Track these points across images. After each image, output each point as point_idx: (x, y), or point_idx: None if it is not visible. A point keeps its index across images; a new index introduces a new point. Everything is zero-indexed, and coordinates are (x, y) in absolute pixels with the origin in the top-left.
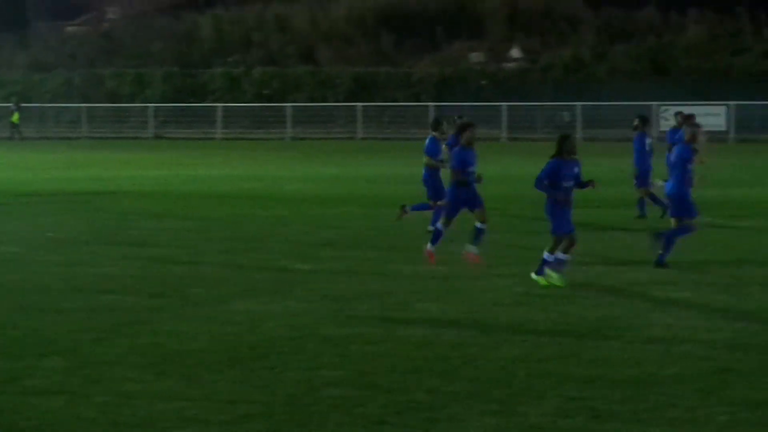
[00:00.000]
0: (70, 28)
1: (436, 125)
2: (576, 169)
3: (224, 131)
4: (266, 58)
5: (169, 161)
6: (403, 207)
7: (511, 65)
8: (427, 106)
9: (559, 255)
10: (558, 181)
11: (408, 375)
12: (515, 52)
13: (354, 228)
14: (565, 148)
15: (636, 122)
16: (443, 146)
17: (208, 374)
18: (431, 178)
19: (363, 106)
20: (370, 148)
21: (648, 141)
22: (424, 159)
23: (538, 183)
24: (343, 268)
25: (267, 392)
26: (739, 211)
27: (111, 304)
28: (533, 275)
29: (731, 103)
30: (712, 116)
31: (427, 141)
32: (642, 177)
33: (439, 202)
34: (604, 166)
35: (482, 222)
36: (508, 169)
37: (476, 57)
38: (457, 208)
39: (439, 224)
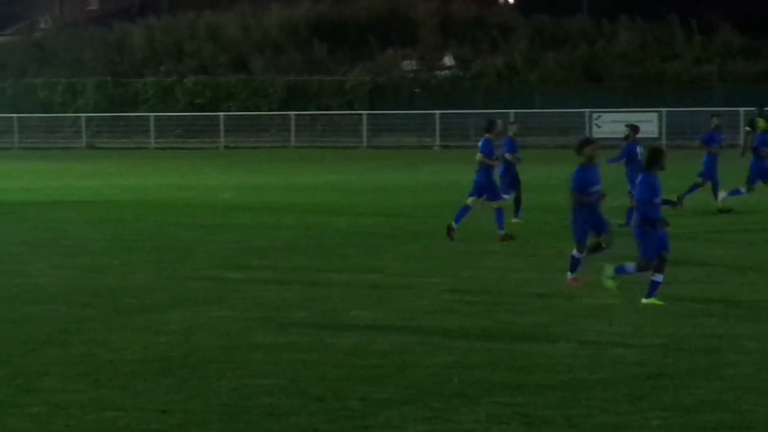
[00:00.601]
0: (0, 38)
1: (491, 127)
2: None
3: (157, 140)
4: (199, 67)
5: (101, 171)
6: (449, 227)
7: (443, 73)
8: (360, 114)
9: (655, 277)
10: (654, 197)
11: (340, 383)
12: (448, 60)
13: (286, 236)
14: (659, 163)
15: (627, 132)
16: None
17: (141, 384)
18: (485, 178)
19: (296, 114)
20: (304, 156)
21: (639, 150)
22: (477, 156)
23: (647, 205)
24: (275, 277)
25: (200, 401)
26: (669, 216)
27: (43, 314)
28: (644, 300)
29: (663, 109)
30: (645, 122)
31: (481, 142)
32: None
33: (492, 202)
34: (535, 173)
35: (607, 246)
36: (441, 177)
37: (409, 65)
38: (585, 231)
39: (575, 253)
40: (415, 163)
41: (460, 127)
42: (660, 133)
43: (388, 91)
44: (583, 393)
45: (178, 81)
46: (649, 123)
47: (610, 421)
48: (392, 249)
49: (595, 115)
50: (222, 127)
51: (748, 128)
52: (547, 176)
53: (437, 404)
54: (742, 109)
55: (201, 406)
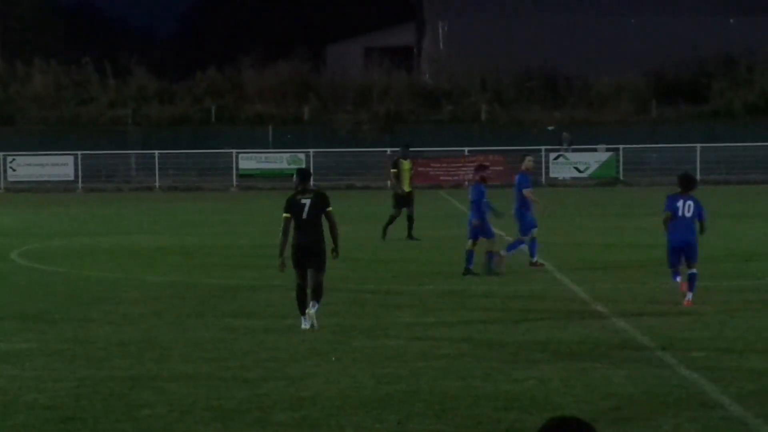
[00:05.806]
0: None
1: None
2: None
3: None
4: None
5: None
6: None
7: None
8: None
9: None
10: None
11: None
12: None
13: None
14: None
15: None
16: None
17: None
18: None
19: None
20: None
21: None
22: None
23: None
24: None
25: None
26: (61, 258)
27: None
28: None
29: (79, 152)
30: (61, 166)
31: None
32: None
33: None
34: None
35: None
36: None
37: None
38: None
39: None
40: None
41: None
42: (76, 176)
43: None
44: None
45: None
46: (65, 166)
47: None
48: None
49: (9, 159)
50: None
51: (394, 170)
52: None
53: None
54: (157, 151)
55: None
